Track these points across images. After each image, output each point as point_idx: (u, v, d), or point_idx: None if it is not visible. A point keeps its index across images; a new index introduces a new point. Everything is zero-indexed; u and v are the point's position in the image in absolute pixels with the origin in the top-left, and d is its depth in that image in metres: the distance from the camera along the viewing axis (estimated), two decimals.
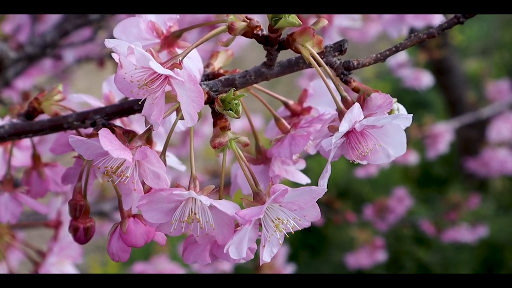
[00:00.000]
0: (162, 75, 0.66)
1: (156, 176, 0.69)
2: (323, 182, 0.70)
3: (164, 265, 2.19)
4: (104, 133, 0.68)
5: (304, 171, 0.86)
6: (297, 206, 0.70)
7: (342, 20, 1.33)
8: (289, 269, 2.10)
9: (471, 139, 3.56)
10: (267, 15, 0.71)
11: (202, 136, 2.79)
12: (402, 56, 2.84)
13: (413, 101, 4.39)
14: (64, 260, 1.09)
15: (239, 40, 1.93)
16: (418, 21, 1.27)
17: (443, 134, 2.92)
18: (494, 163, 3.30)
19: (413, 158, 2.88)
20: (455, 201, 3.40)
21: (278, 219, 0.70)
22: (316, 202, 0.71)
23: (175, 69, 0.67)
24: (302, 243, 3.67)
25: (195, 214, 0.69)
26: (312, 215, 0.72)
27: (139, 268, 2.17)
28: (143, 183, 0.71)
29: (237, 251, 0.68)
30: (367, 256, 3.09)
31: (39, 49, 1.45)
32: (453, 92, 3.65)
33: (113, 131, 0.73)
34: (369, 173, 3.03)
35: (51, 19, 1.66)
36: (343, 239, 3.67)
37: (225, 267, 2.21)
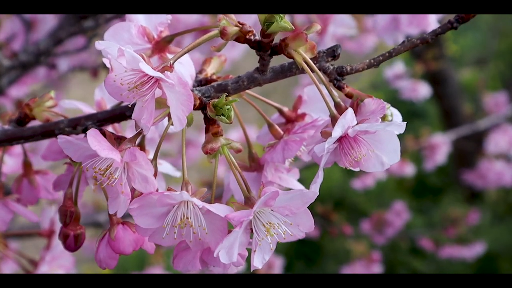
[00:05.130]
0: (152, 78, 0.66)
1: (144, 179, 0.69)
2: (315, 187, 0.69)
3: None
4: (92, 133, 0.67)
5: (300, 181, 0.85)
6: (289, 210, 0.69)
7: (337, 28, 1.33)
8: None
9: (467, 151, 3.56)
10: (259, 20, 0.71)
11: (200, 146, 2.77)
12: (398, 67, 2.85)
13: (408, 111, 4.39)
14: (56, 269, 1.08)
15: (232, 53, 1.92)
16: (412, 28, 1.27)
17: (441, 145, 2.92)
18: (491, 175, 3.30)
19: (410, 170, 2.88)
20: (454, 217, 3.39)
21: (270, 223, 0.69)
22: (312, 213, 0.70)
23: (165, 71, 0.66)
24: (297, 253, 3.66)
25: (187, 218, 0.69)
26: (306, 224, 0.71)
27: None
28: (133, 190, 0.70)
29: (228, 255, 0.67)
30: (363, 269, 3.08)
31: (33, 57, 1.44)
32: (447, 101, 3.66)
33: (104, 135, 0.72)
34: (366, 184, 3.03)
35: (45, 27, 1.66)
36: (338, 249, 3.67)
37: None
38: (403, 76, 2.86)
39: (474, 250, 3.25)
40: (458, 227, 3.33)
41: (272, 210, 0.69)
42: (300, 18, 1.40)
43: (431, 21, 1.26)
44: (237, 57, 1.86)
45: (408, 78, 2.86)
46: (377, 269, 3.05)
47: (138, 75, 0.66)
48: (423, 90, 2.80)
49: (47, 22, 1.67)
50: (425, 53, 3.03)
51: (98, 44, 0.66)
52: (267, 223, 0.69)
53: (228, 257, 0.67)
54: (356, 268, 3.08)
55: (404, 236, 3.34)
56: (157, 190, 0.70)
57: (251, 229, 0.69)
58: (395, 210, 3.19)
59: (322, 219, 2.93)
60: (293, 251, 3.59)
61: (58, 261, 1.07)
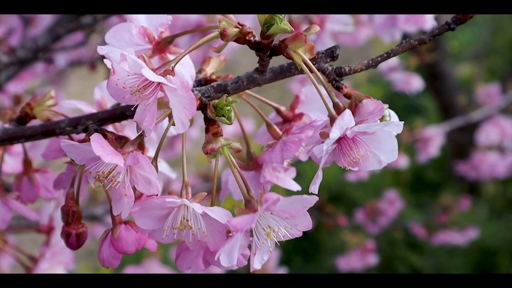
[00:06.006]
0: (154, 81, 0.67)
1: (147, 181, 0.69)
2: (314, 188, 0.70)
3: (155, 269, 2.18)
4: (96, 138, 0.67)
5: (298, 175, 0.86)
6: (288, 214, 0.70)
7: (334, 25, 1.33)
8: (281, 272, 2.10)
9: (463, 143, 3.57)
10: (259, 21, 0.71)
11: (190, 140, 2.77)
12: (393, 60, 2.85)
13: (406, 106, 4.40)
14: (56, 265, 1.08)
15: (231, 44, 1.92)
16: (409, 25, 1.27)
17: (434, 137, 2.92)
18: (484, 167, 3.30)
19: (404, 162, 2.88)
20: (446, 204, 3.40)
21: (269, 227, 0.70)
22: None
23: (167, 75, 0.67)
24: (295, 248, 3.67)
25: (187, 220, 0.70)
26: (304, 224, 0.72)
27: (130, 271, 2.17)
28: (135, 189, 0.71)
29: (228, 259, 0.68)
30: (358, 259, 3.09)
31: (31, 53, 1.44)
32: (445, 97, 3.67)
33: (105, 136, 0.73)
34: (360, 177, 3.03)
35: (43, 23, 1.66)
36: (336, 244, 3.67)
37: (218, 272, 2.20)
38: (397, 69, 2.86)
39: (467, 236, 3.26)
40: (450, 214, 3.34)
41: (272, 214, 0.70)
42: (297, 15, 1.40)
43: (428, 19, 1.26)
44: (235, 48, 1.86)
45: (402, 71, 2.86)
46: (372, 259, 3.07)
47: (141, 78, 0.67)
48: (416, 83, 2.80)
49: (45, 18, 1.66)
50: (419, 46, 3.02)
51: (100, 49, 0.67)
52: (267, 227, 0.70)
53: (228, 261, 0.68)
54: (351, 258, 3.09)
55: (397, 226, 3.35)
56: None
57: (251, 231, 0.70)
58: (388, 199, 3.19)
59: (318, 211, 2.94)
60: (291, 246, 3.60)
61: (58, 257, 1.08)
